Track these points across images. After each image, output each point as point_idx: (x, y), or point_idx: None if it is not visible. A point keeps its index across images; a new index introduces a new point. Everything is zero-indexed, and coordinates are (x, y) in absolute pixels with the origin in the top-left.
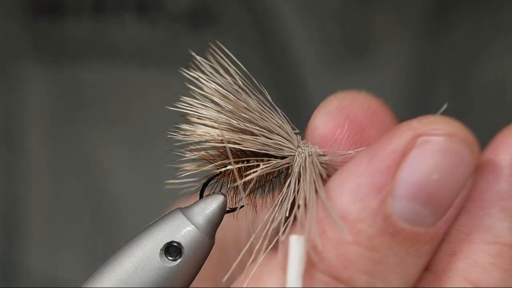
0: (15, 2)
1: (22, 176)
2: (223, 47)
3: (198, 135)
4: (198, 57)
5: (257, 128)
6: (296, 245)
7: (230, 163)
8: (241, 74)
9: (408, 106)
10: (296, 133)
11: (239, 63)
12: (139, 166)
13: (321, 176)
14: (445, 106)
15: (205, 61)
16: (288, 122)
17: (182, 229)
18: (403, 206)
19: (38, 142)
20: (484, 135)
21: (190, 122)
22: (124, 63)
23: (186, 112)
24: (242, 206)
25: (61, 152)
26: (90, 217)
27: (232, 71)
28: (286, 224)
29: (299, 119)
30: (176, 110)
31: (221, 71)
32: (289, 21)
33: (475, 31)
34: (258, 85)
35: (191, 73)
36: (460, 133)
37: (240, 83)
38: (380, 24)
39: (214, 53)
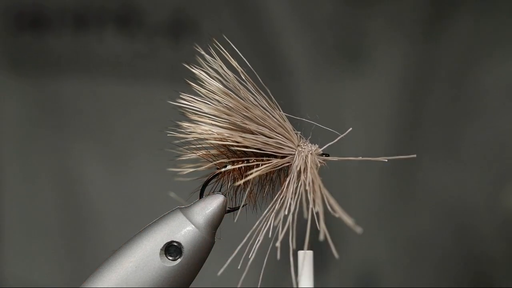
0: None
1: None
2: (228, 40)
3: (198, 133)
4: (201, 53)
5: (258, 126)
6: (305, 259)
7: (229, 163)
8: (243, 71)
9: (402, 112)
10: (296, 132)
11: (244, 58)
12: (118, 178)
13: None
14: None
15: (206, 57)
16: (289, 120)
17: (182, 229)
18: None
19: (15, 154)
20: (481, 141)
21: (189, 121)
22: (104, 76)
23: (185, 109)
24: (242, 206)
25: (40, 164)
26: (67, 227)
27: (235, 67)
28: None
29: (291, 124)
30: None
31: (221, 68)
32: (281, 27)
33: (470, 36)
34: (261, 81)
35: (193, 70)
36: None
37: (242, 80)
38: (373, 29)
39: (215, 49)
